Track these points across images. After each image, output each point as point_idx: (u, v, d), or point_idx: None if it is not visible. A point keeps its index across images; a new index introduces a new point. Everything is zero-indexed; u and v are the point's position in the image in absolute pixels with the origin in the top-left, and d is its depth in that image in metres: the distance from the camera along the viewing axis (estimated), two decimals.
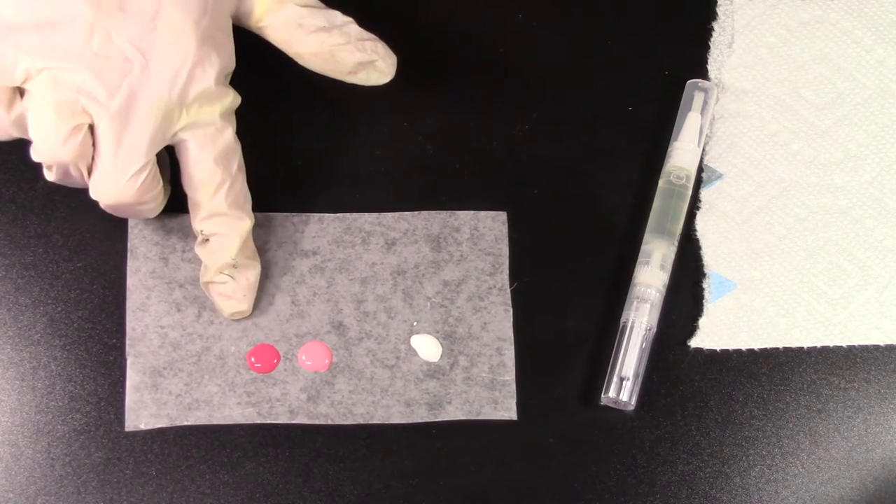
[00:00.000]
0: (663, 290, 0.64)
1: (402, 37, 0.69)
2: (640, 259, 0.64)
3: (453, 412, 0.62)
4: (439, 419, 0.62)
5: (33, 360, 0.62)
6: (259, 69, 0.68)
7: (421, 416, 0.62)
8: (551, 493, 0.61)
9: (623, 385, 0.61)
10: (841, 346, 0.64)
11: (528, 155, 0.67)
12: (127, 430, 0.61)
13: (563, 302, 0.64)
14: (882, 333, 0.64)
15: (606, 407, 0.62)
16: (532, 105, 0.68)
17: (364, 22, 0.69)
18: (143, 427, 0.61)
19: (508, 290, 0.64)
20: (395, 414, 0.62)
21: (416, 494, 0.61)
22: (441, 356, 0.63)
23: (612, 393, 0.61)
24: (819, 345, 0.64)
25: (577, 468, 0.62)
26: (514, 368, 0.63)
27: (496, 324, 0.63)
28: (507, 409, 0.62)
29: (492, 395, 0.62)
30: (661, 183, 0.66)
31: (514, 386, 0.62)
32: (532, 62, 0.69)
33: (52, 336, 0.62)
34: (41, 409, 0.61)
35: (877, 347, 0.64)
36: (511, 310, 0.64)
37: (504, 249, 0.65)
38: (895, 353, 0.64)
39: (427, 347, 0.63)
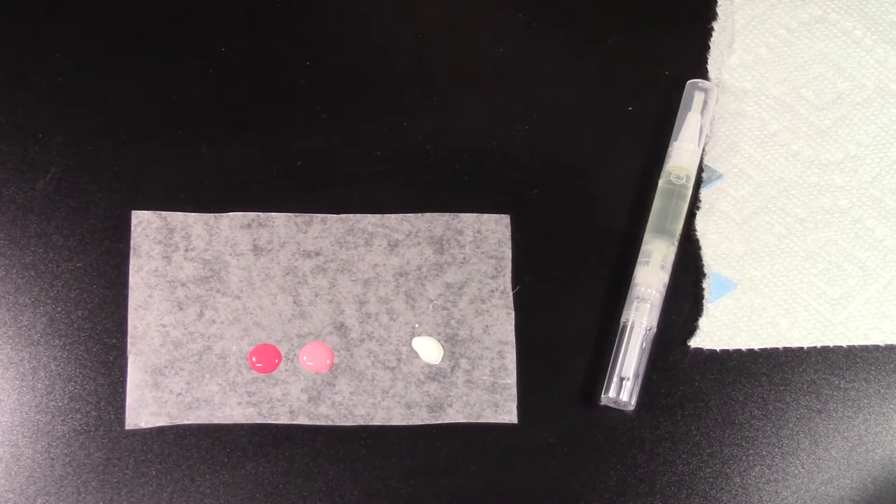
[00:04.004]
0: (663, 290, 0.64)
1: (402, 37, 0.69)
2: (640, 259, 0.64)
3: (454, 415, 0.62)
4: (440, 422, 0.62)
5: (33, 360, 0.62)
6: (259, 69, 0.68)
7: (421, 418, 0.62)
8: (551, 493, 0.61)
9: (623, 385, 0.61)
10: (841, 346, 0.64)
11: (528, 155, 0.67)
12: (127, 428, 0.61)
13: (563, 302, 0.64)
14: (882, 333, 0.64)
15: (606, 407, 0.62)
16: (532, 105, 0.68)
17: (365, 22, 0.70)
18: (143, 425, 0.61)
19: (510, 293, 0.64)
20: (395, 416, 0.62)
21: (416, 494, 0.61)
22: (442, 359, 0.63)
23: (612, 393, 0.61)
24: (819, 345, 0.64)
25: (577, 468, 0.62)
26: (515, 372, 0.63)
27: (498, 327, 0.63)
28: (507, 413, 0.62)
29: (492, 399, 0.62)
30: (661, 183, 0.66)
31: (514, 389, 0.62)
32: (532, 62, 0.69)
33: (52, 336, 0.62)
34: (41, 409, 0.61)
35: (877, 347, 0.64)
36: (513, 313, 0.64)
37: (507, 252, 0.65)
38: (895, 353, 0.64)
39: (428, 350, 0.63)
